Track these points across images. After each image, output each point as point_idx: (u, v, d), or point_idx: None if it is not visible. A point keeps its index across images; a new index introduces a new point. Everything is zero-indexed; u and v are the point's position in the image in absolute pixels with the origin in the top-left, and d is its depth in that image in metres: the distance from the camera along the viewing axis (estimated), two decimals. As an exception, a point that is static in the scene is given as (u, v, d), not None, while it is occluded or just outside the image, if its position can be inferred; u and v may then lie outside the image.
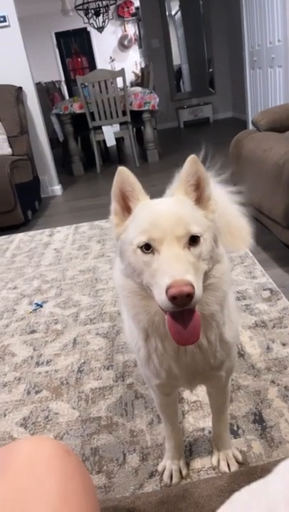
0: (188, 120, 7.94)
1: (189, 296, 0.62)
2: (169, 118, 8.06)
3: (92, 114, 4.98)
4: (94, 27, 6.77)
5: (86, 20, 6.69)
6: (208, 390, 1.08)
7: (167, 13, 7.71)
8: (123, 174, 0.77)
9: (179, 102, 8.10)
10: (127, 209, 0.77)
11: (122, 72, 4.88)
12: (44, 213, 3.96)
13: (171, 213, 0.70)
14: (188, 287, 0.62)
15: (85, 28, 9.77)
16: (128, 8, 10.29)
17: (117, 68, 8.83)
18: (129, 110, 4.99)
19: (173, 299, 0.62)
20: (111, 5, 6.69)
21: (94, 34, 10.22)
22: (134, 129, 5.46)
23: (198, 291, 0.64)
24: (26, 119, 4.10)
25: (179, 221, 0.68)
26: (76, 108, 5.05)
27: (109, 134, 5.04)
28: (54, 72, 10.49)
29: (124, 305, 0.82)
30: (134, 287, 0.75)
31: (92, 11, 6.42)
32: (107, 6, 6.48)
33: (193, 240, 0.68)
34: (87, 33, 10.45)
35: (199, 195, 0.75)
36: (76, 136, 5.39)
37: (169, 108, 8.04)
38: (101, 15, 6.46)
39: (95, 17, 6.49)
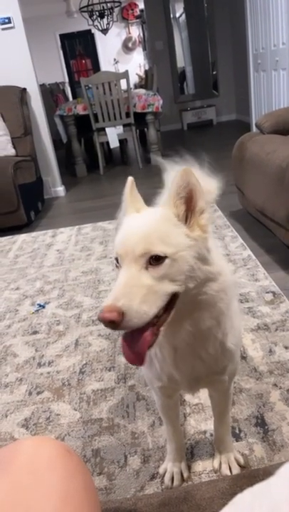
0: (192, 122, 7.95)
1: (112, 322, 0.62)
2: (172, 120, 8.07)
3: (95, 115, 4.99)
4: (98, 29, 6.79)
5: (90, 22, 6.71)
6: (210, 393, 1.08)
7: (171, 16, 7.72)
8: (126, 183, 0.79)
9: (182, 104, 8.10)
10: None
11: (125, 74, 4.89)
12: (47, 214, 3.96)
13: (137, 231, 0.69)
14: (111, 314, 0.62)
15: (90, 30, 9.81)
16: (132, 10, 10.32)
17: (121, 70, 8.86)
18: (133, 112, 5.00)
19: (102, 321, 0.63)
20: (115, 7, 6.70)
21: (98, 36, 10.25)
22: (138, 130, 5.47)
23: (136, 316, 0.63)
24: (30, 120, 4.12)
25: (141, 239, 0.67)
26: (80, 109, 5.07)
27: (113, 135, 5.05)
28: (58, 73, 10.52)
29: None
30: None
31: (97, 13, 6.43)
32: (111, 8, 6.49)
33: (156, 260, 0.66)
34: (92, 35, 10.48)
35: (190, 209, 0.71)
36: (79, 138, 5.40)
37: (173, 110, 8.05)
38: (105, 17, 6.48)
39: (99, 19, 6.50)
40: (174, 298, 0.68)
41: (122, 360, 1.63)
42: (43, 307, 2.16)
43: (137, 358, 0.66)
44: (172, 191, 0.71)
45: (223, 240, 2.59)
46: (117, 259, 0.70)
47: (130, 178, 0.78)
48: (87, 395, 1.47)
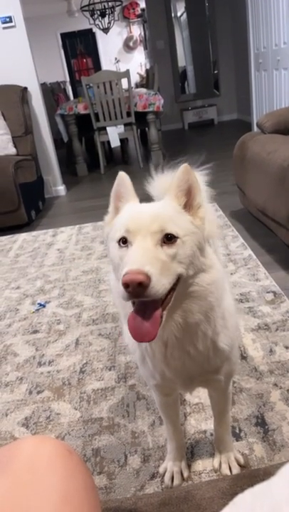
0: (193, 122, 7.94)
1: (141, 285, 0.62)
2: (173, 119, 8.06)
3: (96, 114, 4.99)
4: (99, 28, 6.78)
5: (92, 22, 6.70)
6: (210, 393, 1.08)
7: (173, 15, 7.71)
8: (120, 178, 0.82)
9: (183, 104, 8.10)
10: (118, 210, 0.82)
11: (127, 74, 4.88)
12: (48, 213, 3.96)
13: (151, 211, 0.73)
14: (141, 276, 0.62)
15: (91, 29, 9.79)
16: (134, 9, 10.30)
17: (122, 69, 8.85)
18: (134, 111, 5.00)
19: (126, 286, 0.62)
20: (117, 6, 6.69)
21: (99, 35, 10.24)
22: (139, 130, 5.47)
23: (158, 285, 0.64)
24: (31, 119, 4.11)
25: (156, 218, 0.70)
26: (81, 109, 5.06)
27: (114, 134, 5.04)
28: (59, 72, 10.51)
29: (118, 306, 0.84)
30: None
31: (98, 12, 6.42)
32: (112, 8, 6.48)
33: (169, 239, 0.69)
34: (93, 34, 10.47)
35: (190, 202, 0.77)
36: (80, 137, 5.40)
37: (174, 109, 8.04)
38: (106, 16, 6.47)
39: (100, 18, 6.49)
40: (176, 282, 0.70)
41: (122, 359, 1.63)
42: (44, 306, 2.16)
43: (147, 333, 0.67)
44: (174, 184, 0.76)
45: (224, 240, 2.59)
46: (122, 239, 0.71)
47: (123, 173, 0.82)
48: (87, 395, 1.47)
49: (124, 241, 0.71)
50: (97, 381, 1.53)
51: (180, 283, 0.71)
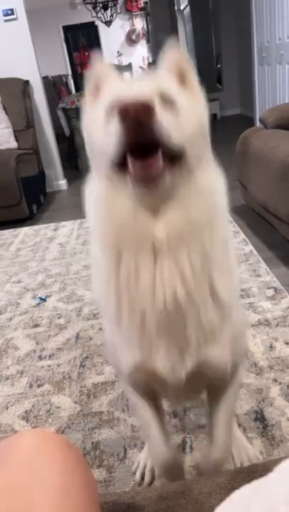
0: (195, 116, 7.90)
1: (145, 112, 0.52)
2: (175, 114, 8.03)
3: (98, 108, 4.97)
4: (102, 21, 6.75)
5: (94, 14, 6.66)
6: (208, 400, 0.88)
7: (176, 8, 7.66)
8: (99, 68, 0.68)
9: (186, 98, 8.06)
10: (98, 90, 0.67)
11: (129, 67, 4.88)
12: (49, 208, 3.96)
13: (145, 79, 0.65)
14: (144, 98, 0.53)
15: (93, 22, 9.72)
16: (136, 2, 10.21)
17: (125, 63, 8.80)
18: (136, 105, 4.98)
19: (123, 116, 0.53)
20: (119, -1, 6.65)
21: (102, 28, 10.16)
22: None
23: (163, 120, 0.55)
24: (33, 112, 4.10)
25: (153, 79, 0.63)
26: (83, 102, 5.04)
27: (116, 129, 5.03)
28: (61, 65, 10.45)
29: (94, 235, 0.68)
30: (103, 193, 0.63)
31: (101, 5, 6.38)
32: (115, 0, 6.44)
33: (169, 103, 0.59)
34: (95, 27, 10.39)
35: (184, 85, 0.67)
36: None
37: (176, 104, 8.01)
38: (109, 9, 6.43)
39: (103, 11, 6.45)
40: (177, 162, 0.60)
41: (122, 354, 1.64)
42: (44, 300, 2.16)
43: (149, 176, 0.57)
44: (164, 67, 0.67)
45: (225, 235, 2.58)
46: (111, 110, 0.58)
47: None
48: (87, 388, 1.48)
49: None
50: (97, 375, 1.54)
51: (183, 165, 0.60)
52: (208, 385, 0.84)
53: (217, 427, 0.84)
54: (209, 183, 0.64)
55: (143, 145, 0.55)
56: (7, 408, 1.45)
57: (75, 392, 1.47)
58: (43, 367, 1.64)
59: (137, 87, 0.60)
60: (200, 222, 0.62)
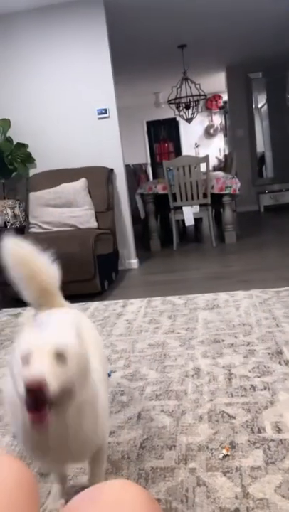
0: (269, 205, 8.04)
1: (40, 388, 0.79)
2: (249, 201, 8.23)
3: (174, 195, 5.26)
4: (183, 118, 7.34)
5: (176, 113, 7.28)
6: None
7: (254, 106, 8.19)
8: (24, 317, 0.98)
9: (260, 187, 8.28)
10: None
11: (206, 159, 5.17)
12: (119, 285, 4.11)
13: (46, 335, 0.91)
14: (39, 378, 0.80)
15: (174, 118, 10.60)
16: (216, 101, 11.06)
17: (201, 153, 9.35)
18: (210, 193, 5.20)
19: (27, 390, 0.79)
20: (201, 100, 7.26)
21: (182, 122, 11.02)
22: (214, 210, 5.65)
23: (52, 385, 0.81)
24: (113, 197, 4.44)
25: (50, 341, 0.88)
26: (160, 189, 5.38)
27: (189, 214, 5.25)
28: (142, 155, 11.33)
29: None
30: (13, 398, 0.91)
31: (183, 105, 6.99)
32: (197, 101, 7.04)
33: (60, 359, 0.85)
34: (176, 122, 11.30)
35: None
36: (156, 215, 5.68)
37: (250, 192, 8.24)
38: (191, 108, 7.01)
39: (185, 110, 7.05)
40: (64, 396, 0.87)
41: (183, 439, 1.59)
42: (110, 376, 2.18)
43: (42, 425, 0.83)
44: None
45: (296, 325, 2.51)
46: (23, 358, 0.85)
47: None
48: (145, 472, 1.44)
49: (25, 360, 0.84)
50: (156, 459, 1.50)
51: (69, 400, 0.87)
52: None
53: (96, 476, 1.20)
54: (88, 394, 0.93)
55: (37, 401, 0.81)
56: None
57: (133, 474, 1.44)
58: (102, 444, 1.62)
59: (43, 343, 0.85)
60: (79, 425, 0.94)
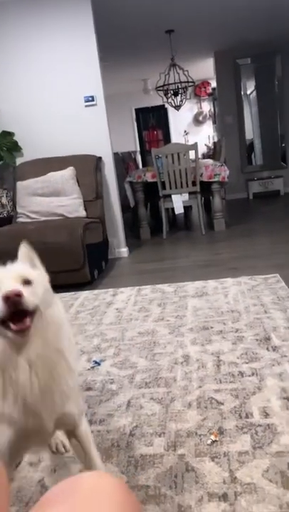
0: (258, 192, 8.06)
1: (19, 296, 0.90)
2: (238, 189, 8.24)
3: (163, 183, 5.24)
4: (172, 105, 7.28)
5: (165, 100, 7.22)
6: (69, 439, 1.25)
7: (242, 93, 8.15)
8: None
9: (249, 174, 8.28)
10: None
11: (194, 146, 5.15)
12: (109, 274, 4.11)
13: (13, 268, 1.03)
14: (18, 289, 0.92)
15: (163, 105, 10.52)
16: (205, 88, 10.98)
17: (191, 141, 9.31)
18: (199, 181, 5.19)
19: (6, 299, 0.89)
20: (189, 86, 7.19)
21: (171, 110, 10.95)
22: (203, 198, 5.64)
23: (29, 298, 0.93)
24: (102, 185, 4.41)
25: (17, 270, 1.01)
26: (149, 177, 5.35)
27: (178, 202, 5.24)
28: (130, 143, 11.25)
29: None
30: None
31: (172, 92, 6.93)
32: (185, 88, 6.98)
33: (27, 283, 0.96)
34: (165, 110, 11.21)
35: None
36: (146, 203, 5.66)
37: (239, 179, 8.24)
38: (179, 95, 6.95)
39: (173, 97, 6.99)
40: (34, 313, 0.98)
41: (172, 426, 1.60)
42: (99, 364, 2.19)
43: (24, 329, 0.92)
44: (21, 257, 1.08)
45: (286, 313, 2.53)
46: None
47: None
48: (135, 459, 1.45)
49: None
50: (145, 446, 1.51)
51: (38, 314, 0.97)
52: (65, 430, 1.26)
53: (90, 453, 1.25)
54: (53, 315, 1.04)
55: (18, 313, 0.91)
56: (55, 471, 1.45)
57: (122, 461, 1.45)
58: (92, 432, 1.63)
59: (8, 273, 0.98)
60: (52, 342, 1.03)
